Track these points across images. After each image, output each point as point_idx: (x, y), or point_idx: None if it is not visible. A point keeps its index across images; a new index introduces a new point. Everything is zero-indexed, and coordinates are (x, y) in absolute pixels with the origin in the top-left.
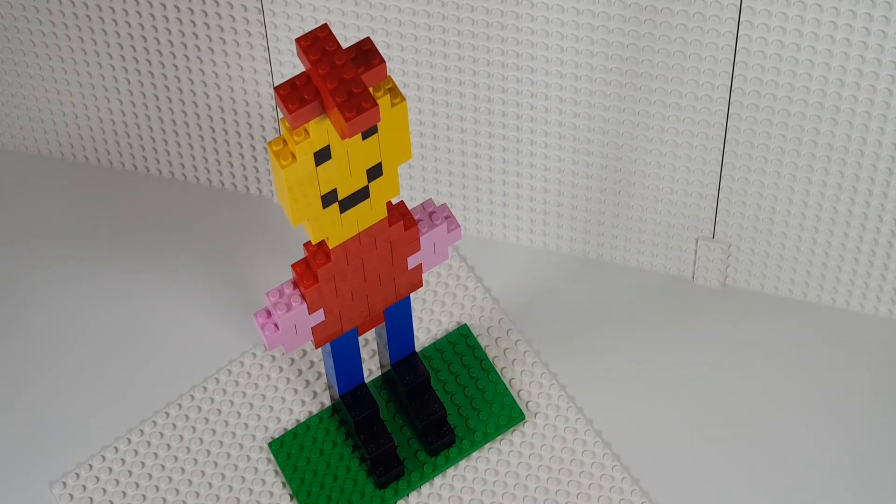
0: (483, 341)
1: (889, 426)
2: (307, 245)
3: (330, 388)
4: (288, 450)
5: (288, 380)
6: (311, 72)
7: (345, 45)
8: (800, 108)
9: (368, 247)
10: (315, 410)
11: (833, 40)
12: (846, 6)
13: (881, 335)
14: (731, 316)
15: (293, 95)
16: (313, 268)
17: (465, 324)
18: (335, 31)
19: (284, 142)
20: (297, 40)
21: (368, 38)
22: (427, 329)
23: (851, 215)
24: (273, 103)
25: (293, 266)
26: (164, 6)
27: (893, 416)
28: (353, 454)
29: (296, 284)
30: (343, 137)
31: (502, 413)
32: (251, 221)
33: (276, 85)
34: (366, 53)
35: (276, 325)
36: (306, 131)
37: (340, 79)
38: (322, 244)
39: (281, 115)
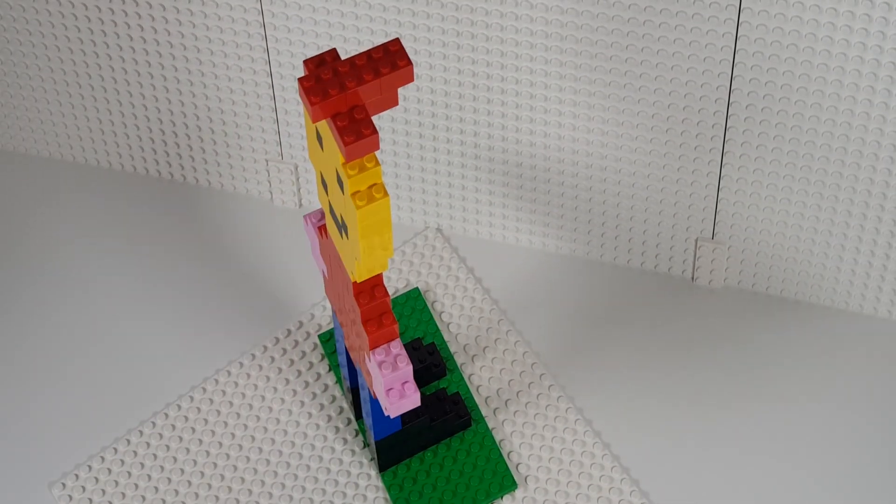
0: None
1: (889, 427)
2: (362, 301)
3: (382, 453)
4: None
5: (287, 381)
6: (342, 99)
7: (344, 45)
8: (799, 108)
9: None
10: (314, 412)
11: (832, 41)
12: (845, 7)
13: (881, 335)
14: (731, 316)
15: (362, 129)
16: (384, 306)
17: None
18: (333, 30)
19: (369, 187)
20: (312, 102)
21: (307, 60)
22: None
23: (851, 216)
24: (273, 104)
25: (370, 335)
26: (164, 7)
27: (893, 416)
28: (435, 459)
29: (385, 344)
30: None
31: (420, 312)
32: (252, 223)
33: (345, 144)
34: (328, 54)
35: (414, 385)
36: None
37: (368, 67)
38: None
39: (345, 169)
